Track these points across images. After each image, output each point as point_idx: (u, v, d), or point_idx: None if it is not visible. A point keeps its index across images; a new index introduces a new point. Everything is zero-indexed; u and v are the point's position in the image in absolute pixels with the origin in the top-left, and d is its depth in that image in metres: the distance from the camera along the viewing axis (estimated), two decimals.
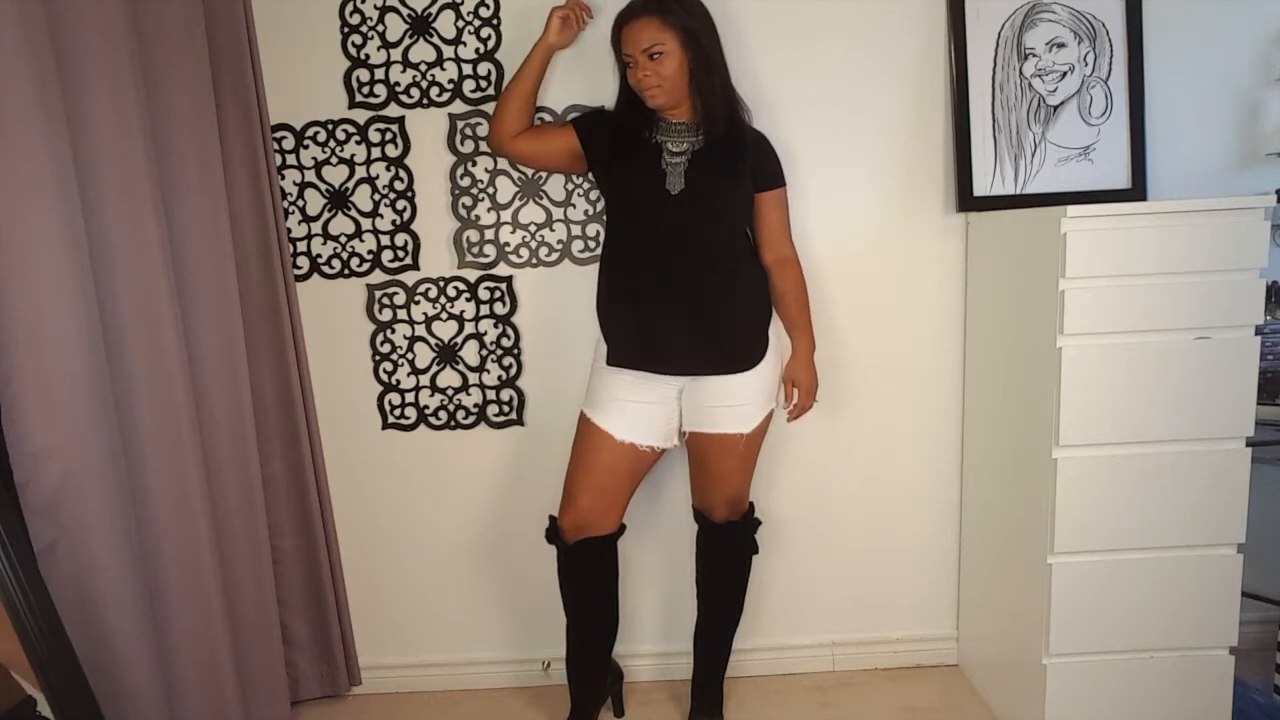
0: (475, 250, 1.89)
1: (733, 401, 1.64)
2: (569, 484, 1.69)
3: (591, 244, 1.88)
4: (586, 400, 1.70)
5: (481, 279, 1.90)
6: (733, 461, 1.69)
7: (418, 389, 1.95)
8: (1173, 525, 1.57)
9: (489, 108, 1.82)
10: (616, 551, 1.73)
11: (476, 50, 1.81)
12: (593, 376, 1.71)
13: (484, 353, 1.93)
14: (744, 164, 1.62)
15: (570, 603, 1.75)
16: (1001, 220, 1.73)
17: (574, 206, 1.86)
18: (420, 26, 1.80)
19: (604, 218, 1.80)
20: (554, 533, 1.71)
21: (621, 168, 1.63)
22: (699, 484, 1.76)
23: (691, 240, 1.59)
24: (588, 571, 1.72)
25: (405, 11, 1.79)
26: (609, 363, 1.66)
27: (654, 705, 1.94)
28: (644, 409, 1.65)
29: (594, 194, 1.86)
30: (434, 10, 1.79)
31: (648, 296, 1.61)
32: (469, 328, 1.92)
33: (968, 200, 1.82)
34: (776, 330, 1.73)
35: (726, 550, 1.79)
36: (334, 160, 1.85)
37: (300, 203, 1.87)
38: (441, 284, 1.90)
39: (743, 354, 1.64)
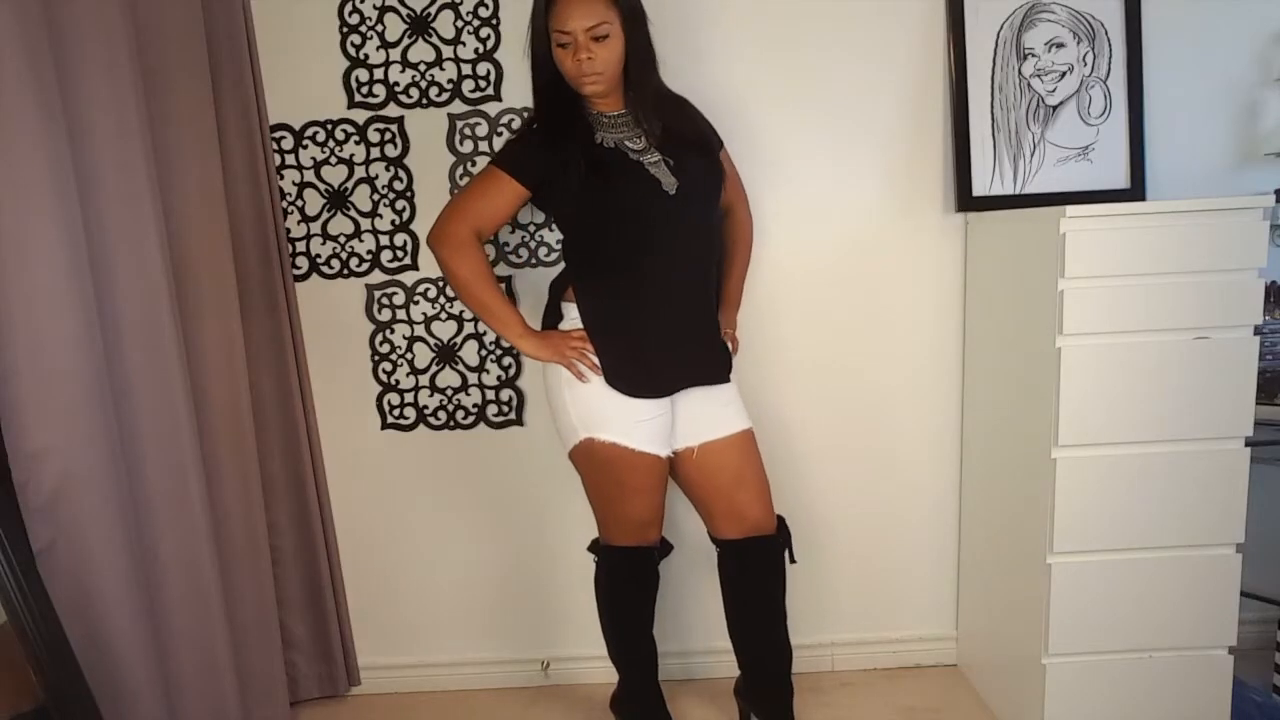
0: None
1: (727, 399, 1.60)
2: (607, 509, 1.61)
3: None
4: (587, 424, 1.53)
5: None
6: (753, 462, 1.61)
7: (417, 389, 1.94)
8: (1172, 525, 1.57)
9: (489, 108, 1.82)
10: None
11: (476, 50, 1.81)
12: (588, 399, 1.52)
13: (483, 353, 1.93)
14: (704, 137, 1.58)
15: (616, 623, 1.69)
16: (1001, 220, 1.73)
17: None
18: (419, 26, 1.80)
19: (569, 242, 1.58)
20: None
21: (601, 181, 1.44)
22: (721, 502, 1.60)
23: (691, 241, 1.50)
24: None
25: (404, 11, 1.79)
26: (609, 383, 1.51)
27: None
28: (654, 423, 1.54)
29: None
30: (433, 10, 1.79)
31: (647, 313, 1.50)
32: (468, 328, 1.92)
33: (967, 200, 1.82)
34: None
35: (768, 565, 1.62)
36: (333, 160, 1.85)
37: (299, 203, 1.87)
38: (441, 284, 1.90)
39: (725, 358, 1.60)
